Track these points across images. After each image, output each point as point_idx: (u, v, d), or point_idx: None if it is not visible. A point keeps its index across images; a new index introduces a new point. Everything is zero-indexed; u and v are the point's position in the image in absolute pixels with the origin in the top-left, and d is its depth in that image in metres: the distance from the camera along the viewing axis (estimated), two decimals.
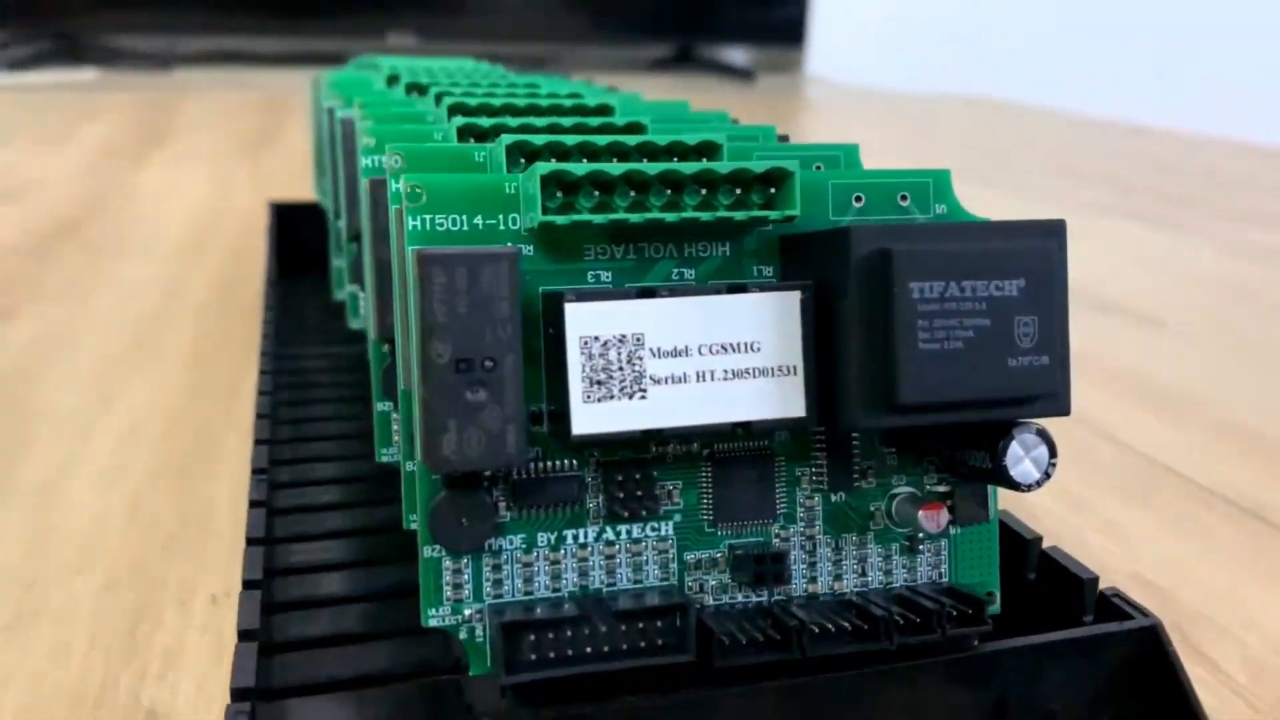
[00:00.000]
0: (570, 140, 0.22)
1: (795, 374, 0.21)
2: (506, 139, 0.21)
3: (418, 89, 0.36)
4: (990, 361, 0.20)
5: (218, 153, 1.13)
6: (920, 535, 0.24)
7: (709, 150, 0.23)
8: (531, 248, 0.22)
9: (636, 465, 0.22)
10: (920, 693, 0.22)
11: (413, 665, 0.26)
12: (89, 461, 0.41)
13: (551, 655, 0.21)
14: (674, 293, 0.20)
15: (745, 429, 0.21)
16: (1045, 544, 0.27)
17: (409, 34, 1.97)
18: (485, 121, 0.26)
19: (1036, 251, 0.20)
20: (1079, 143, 1.49)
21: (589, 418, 0.20)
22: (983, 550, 0.24)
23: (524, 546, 0.22)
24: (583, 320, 0.20)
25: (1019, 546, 0.27)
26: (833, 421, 0.21)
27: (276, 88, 1.65)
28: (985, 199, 0.92)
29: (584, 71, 2.01)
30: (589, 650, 0.21)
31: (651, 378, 0.20)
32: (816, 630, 0.22)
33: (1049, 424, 0.21)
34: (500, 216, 0.21)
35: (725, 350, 0.21)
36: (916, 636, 0.22)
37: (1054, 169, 1.24)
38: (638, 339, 0.20)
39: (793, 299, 0.21)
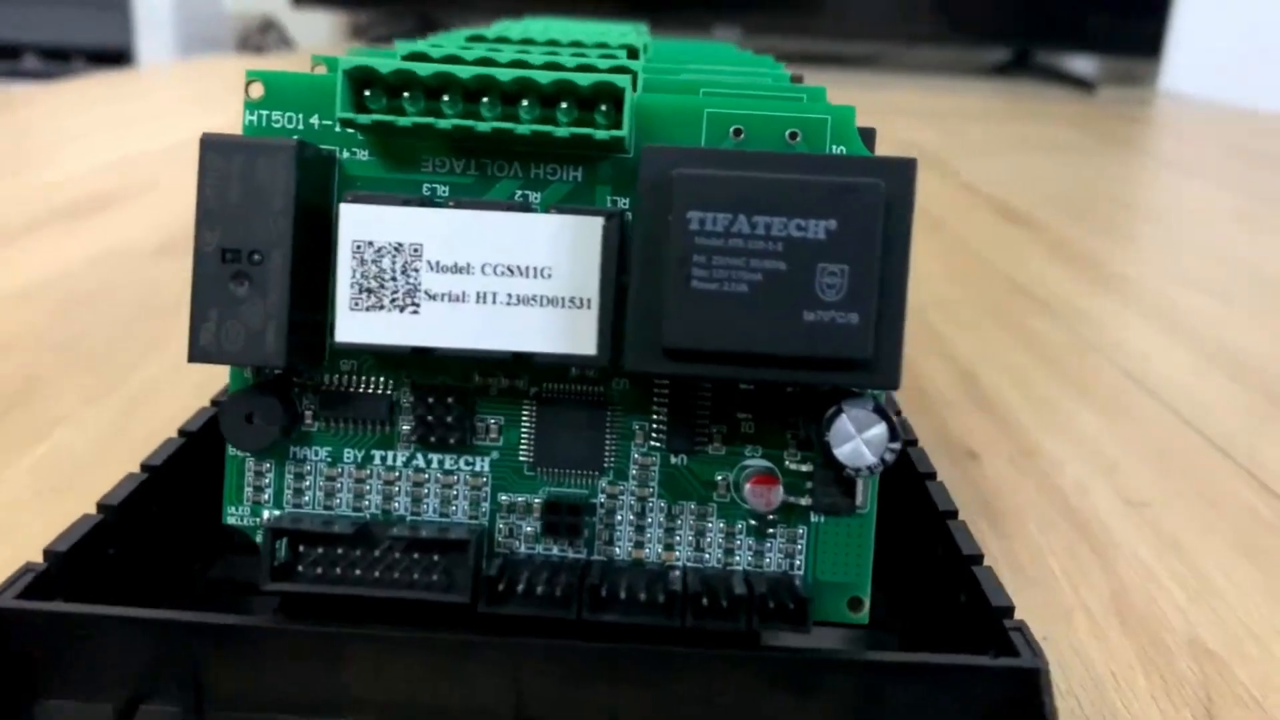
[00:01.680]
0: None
1: (589, 307, 0.19)
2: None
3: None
4: (779, 312, 0.17)
5: None
6: (772, 517, 0.21)
7: (587, 68, 0.21)
8: (367, 152, 0.21)
9: (456, 394, 0.21)
10: (710, 685, 0.20)
11: None
12: None
13: (319, 571, 0.20)
14: (460, 205, 0.19)
15: (525, 360, 0.19)
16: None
17: (735, 29, 1.99)
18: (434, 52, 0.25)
19: (856, 190, 0.17)
20: None
21: (354, 325, 0.19)
22: (851, 547, 0.21)
23: (329, 460, 0.21)
24: (358, 223, 0.19)
25: (959, 563, 0.23)
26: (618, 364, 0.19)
27: None
28: None
29: (915, 75, 1.94)
30: (359, 574, 0.20)
31: (426, 292, 0.19)
32: (605, 594, 0.19)
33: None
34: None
35: (511, 273, 0.19)
36: (715, 622, 0.19)
37: None
38: (415, 249, 0.19)
39: (593, 226, 0.19)
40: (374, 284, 0.19)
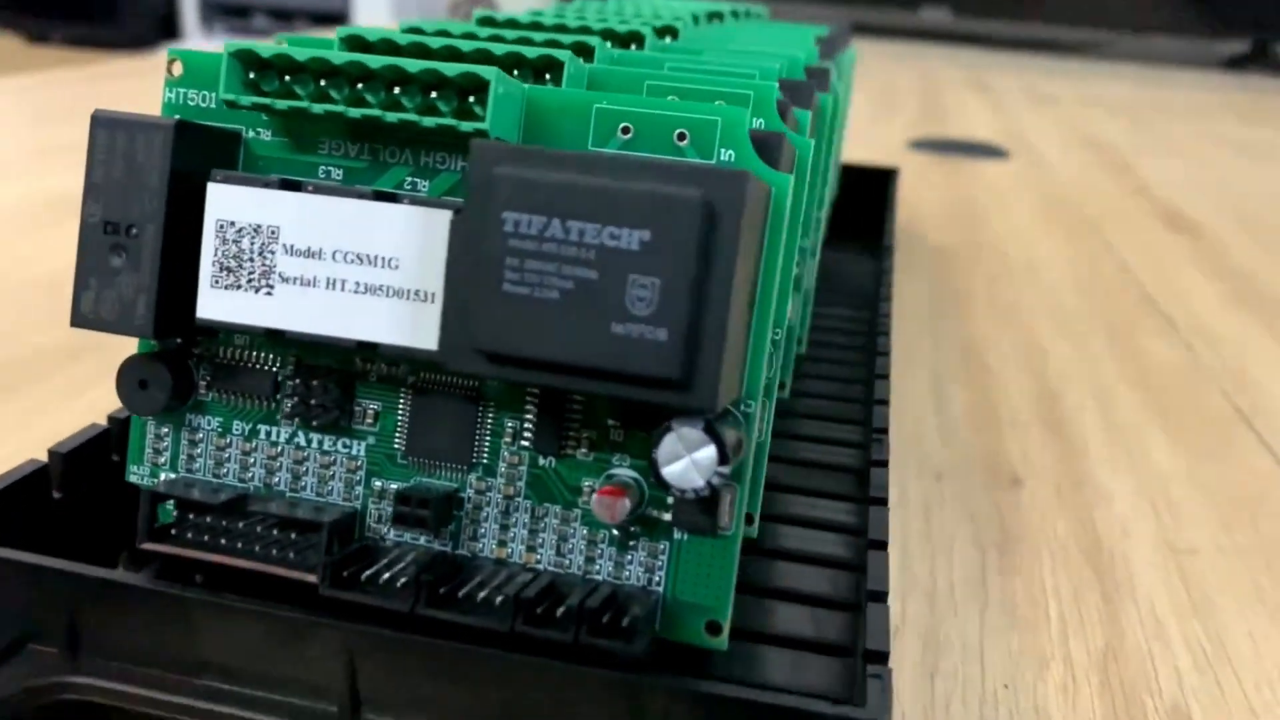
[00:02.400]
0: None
1: (432, 302, 0.18)
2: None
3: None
4: (588, 322, 0.16)
5: None
6: (634, 530, 0.20)
7: (485, 56, 0.21)
8: (270, 132, 0.21)
9: (337, 376, 0.21)
10: (531, 693, 0.19)
11: None
12: None
13: (190, 536, 0.20)
14: (319, 190, 0.19)
15: (370, 350, 0.19)
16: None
17: (944, 9, 1.91)
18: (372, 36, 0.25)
19: (673, 201, 0.16)
20: None
21: (214, 303, 0.19)
22: (712, 568, 0.20)
23: (219, 430, 0.21)
24: (223, 202, 0.19)
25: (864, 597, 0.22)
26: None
27: None
28: None
29: (1134, 65, 1.81)
30: (224, 542, 0.20)
31: (280, 275, 0.19)
32: (443, 592, 0.19)
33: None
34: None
35: (360, 261, 0.19)
36: (543, 630, 0.19)
37: None
38: (273, 232, 0.19)
39: (441, 218, 0.18)
40: (233, 263, 0.19)
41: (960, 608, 0.29)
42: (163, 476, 0.22)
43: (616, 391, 0.17)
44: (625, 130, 0.19)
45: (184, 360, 0.21)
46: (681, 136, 0.19)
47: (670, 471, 0.17)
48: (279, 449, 0.21)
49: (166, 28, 1.87)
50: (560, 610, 0.19)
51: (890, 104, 1.24)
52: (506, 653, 0.19)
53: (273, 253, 0.19)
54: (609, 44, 0.28)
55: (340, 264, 0.19)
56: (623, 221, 0.16)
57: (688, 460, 0.17)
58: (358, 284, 0.19)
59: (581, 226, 0.16)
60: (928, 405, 0.42)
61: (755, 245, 0.18)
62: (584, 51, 0.25)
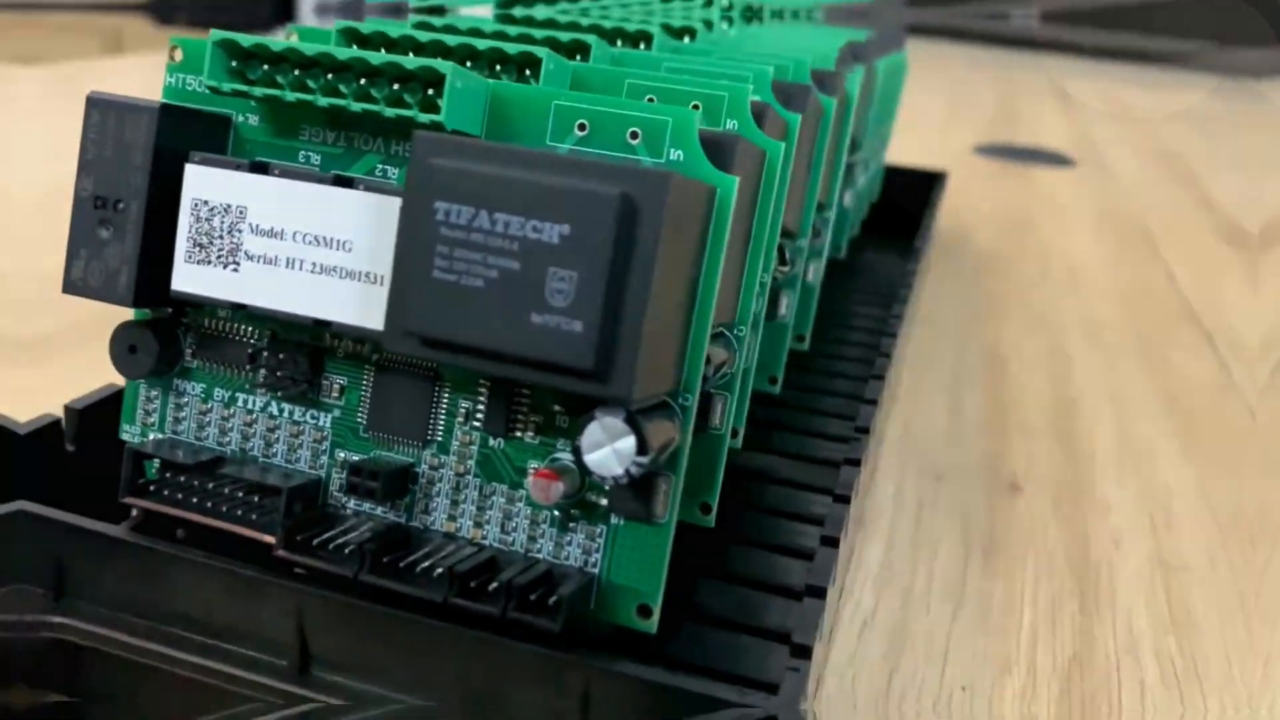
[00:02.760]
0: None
1: (382, 284, 0.19)
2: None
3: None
4: (509, 311, 0.17)
5: None
6: (575, 513, 0.21)
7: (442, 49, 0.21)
8: (258, 118, 0.22)
9: (308, 350, 0.22)
10: (461, 661, 0.20)
11: None
12: None
13: (165, 493, 0.22)
14: (284, 173, 0.20)
15: (325, 328, 0.20)
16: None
17: (1033, 16, 1.87)
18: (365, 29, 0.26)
19: (590, 197, 0.16)
20: None
21: (187, 276, 0.20)
22: (645, 553, 0.20)
23: (203, 396, 0.22)
24: (198, 182, 0.20)
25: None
26: None
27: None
28: None
29: (1226, 77, 1.76)
30: (195, 500, 0.21)
31: (246, 253, 0.20)
32: (386, 560, 0.20)
33: None
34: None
35: (318, 243, 0.19)
36: (472, 603, 0.19)
37: None
38: (241, 211, 0.20)
39: (392, 205, 0.19)
40: (205, 240, 0.20)
41: (934, 607, 0.29)
42: (151, 436, 0.23)
43: (538, 379, 0.17)
44: (582, 127, 0.20)
45: (173, 329, 0.22)
46: (634, 135, 0.20)
47: (591, 459, 0.18)
48: (254, 416, 0.22)
49: (285, 9, 1.92)
50: (493, 585, 0.19)
51: (965, 108, 1.22)
52: (440, 622, 0.20)
53: (240, 231, 0.20)
54: (620, 43, 0.29)
55: (300, 244, 0.20)
56: (544, 215, 0.17)
57: (609, 449, 0.18)
58: (315, 264, 0.19)
59: (507, 219, 0.17)
60: (941, 407, 0.42)
61: (689, 243, 0.19)
62: (582, 49, 0.25)
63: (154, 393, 0.23)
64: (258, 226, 0.20)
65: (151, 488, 0.22)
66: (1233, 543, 0.34)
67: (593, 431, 0.18)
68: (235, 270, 0.20)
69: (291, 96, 0.20)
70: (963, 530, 0.33)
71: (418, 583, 0.20)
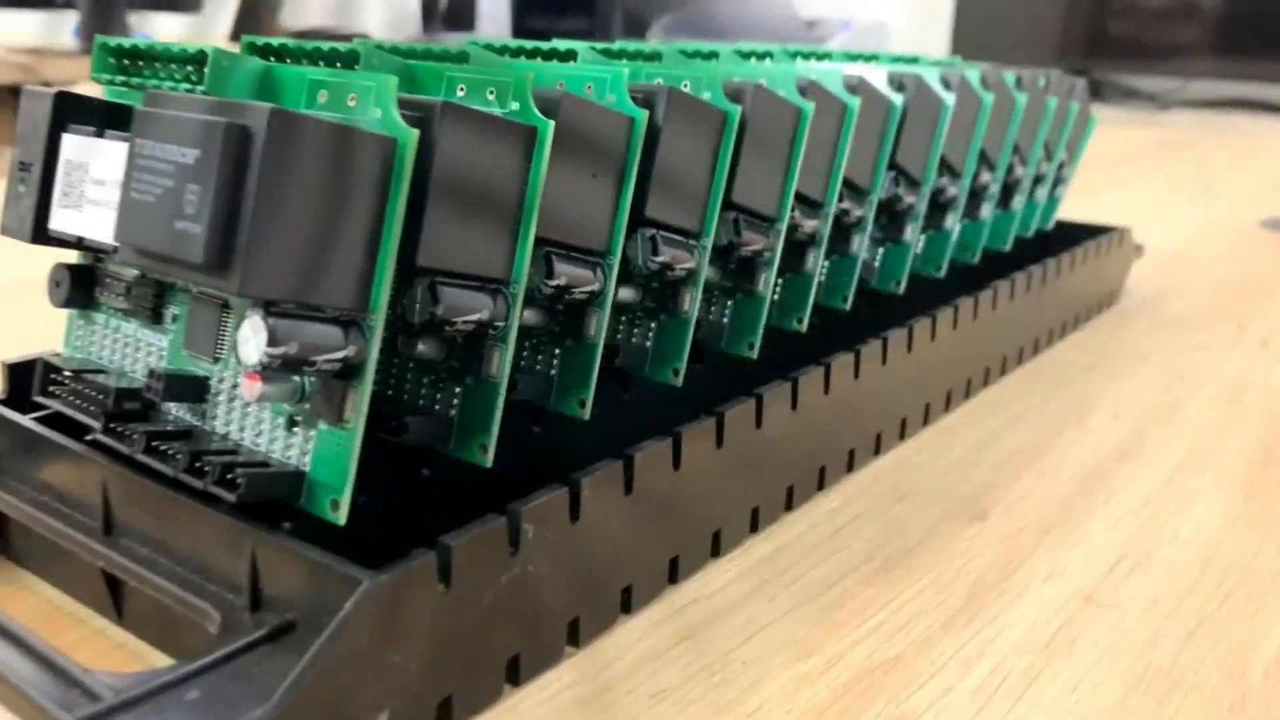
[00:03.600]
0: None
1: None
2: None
3: None
4: (164, 219, 0.21)
5: None
6: (297, 418, 0.24)
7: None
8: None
9: (156, 285, 0.27)
10: (183, 524, 0.23)
11: None
12: None
13: (54, 393, 0.28)
14: (110, 136, 0.25)
15: (149, 255, 0.25)
16: None
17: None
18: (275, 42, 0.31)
19: (210, 126, 0.20)
20: None
21: (59, 219, 0.26)
22: (337, 454, 0.23)
23: (103, 322, 0.28)
24: (68, 147, 0.26)
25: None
26: None
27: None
28: None
29: None
30: (72, 399, 0.27)
31: (88, 198, 0.25)
32: (159, 446, 0.24)
33: None
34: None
35: (109, 185, 0.25)
36: (191, 478, 0.23)
37: None
38: (86, 166, 0.25)
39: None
40: (71, 189, 0.26)
41: (780, 594, 0.29)
42: (76, 355, 0.29)
43: (183, 276, 0.21)
44: (322, 95, 0.24)
45: (90, 269, 0.28)
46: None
47: (243, 351, 0.21)
48: (131, 340, 0.28)
49: None
50: (210, 467, 0.23)
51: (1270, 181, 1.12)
52: (172, 492, 0.24)
53: (85, 182, 0.25)
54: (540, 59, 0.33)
55: (110, 189, 0.25)
56: (185, 143, 0.21)
57: (252, 341, 0.21)
58: (109, 201, 0.25)
59: (166, 147, 0.21)
60: (974, 441, 0.40)
61: (350, 178, 0.22)
62: (462, 58, 0.29)
63: (80, 321, 0.29)
64: (95, 178, 0.25)
65: (50, 389, 0.28)
66: (1201, 590, 0.30)
67: (244, 327, 0.21)
68: (80, 211, 0.26)
69: (136, 82, 0.26)
70: (881, 541, 0.32)
71: (172, 463, 0.24)
